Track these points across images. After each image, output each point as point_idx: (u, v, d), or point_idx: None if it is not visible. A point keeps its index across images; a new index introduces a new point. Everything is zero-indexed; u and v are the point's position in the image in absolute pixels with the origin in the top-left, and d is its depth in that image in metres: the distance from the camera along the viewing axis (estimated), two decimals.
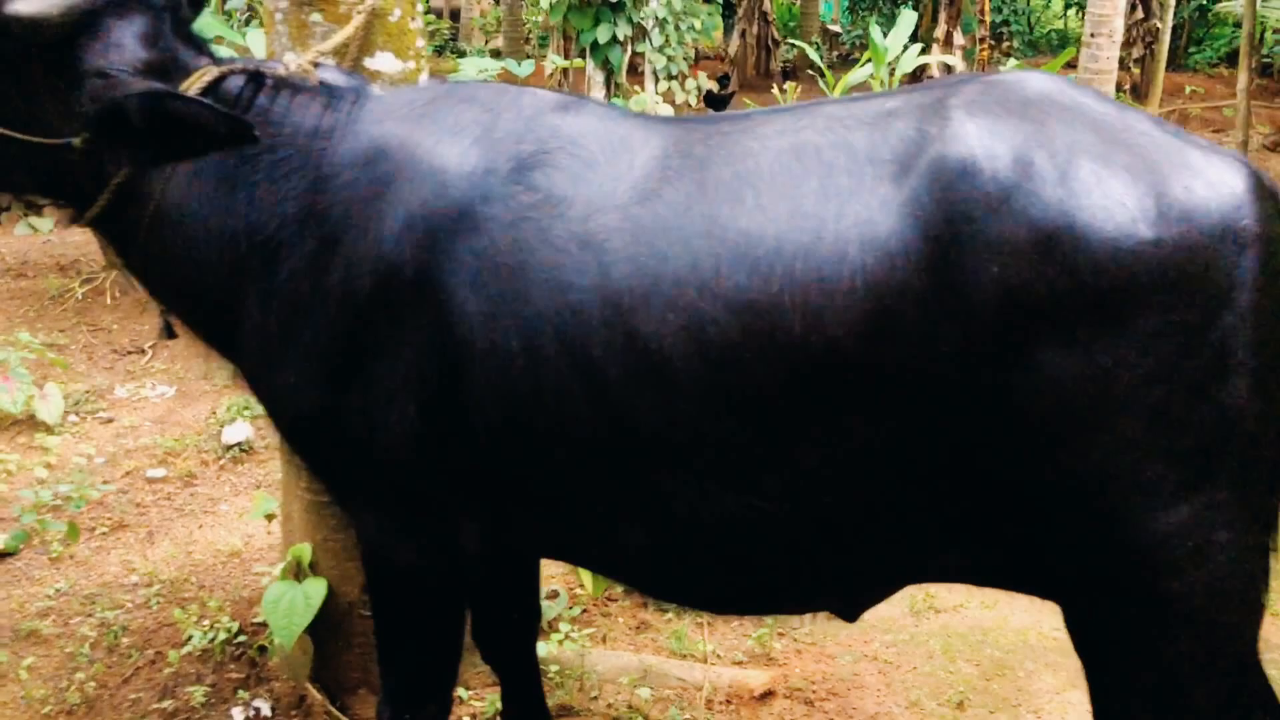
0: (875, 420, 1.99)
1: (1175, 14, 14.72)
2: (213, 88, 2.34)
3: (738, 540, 2.17)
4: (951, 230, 1.90)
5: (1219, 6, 11.64)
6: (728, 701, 3.54)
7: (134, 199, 2.34)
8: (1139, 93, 14.77)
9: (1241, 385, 1.93)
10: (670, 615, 3.95)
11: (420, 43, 3.13)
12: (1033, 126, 1.96)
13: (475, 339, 2.14)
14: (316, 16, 2.91)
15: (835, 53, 21.17)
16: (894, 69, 11.70)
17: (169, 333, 2.64)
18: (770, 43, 19.64)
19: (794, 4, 21.59)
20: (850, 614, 2.46)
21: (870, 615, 4.01)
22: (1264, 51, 19.10)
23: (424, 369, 2.21)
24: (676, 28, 11.53)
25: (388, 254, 2.20)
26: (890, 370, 1.95)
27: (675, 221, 2.05)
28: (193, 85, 2.31)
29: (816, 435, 2.02)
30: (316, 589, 3.20)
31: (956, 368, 1.93)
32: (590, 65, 9.97)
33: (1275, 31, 15.24)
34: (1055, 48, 23.22)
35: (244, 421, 5.28)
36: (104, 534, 4.41)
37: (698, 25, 12.75)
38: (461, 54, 17.53)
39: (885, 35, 11.87)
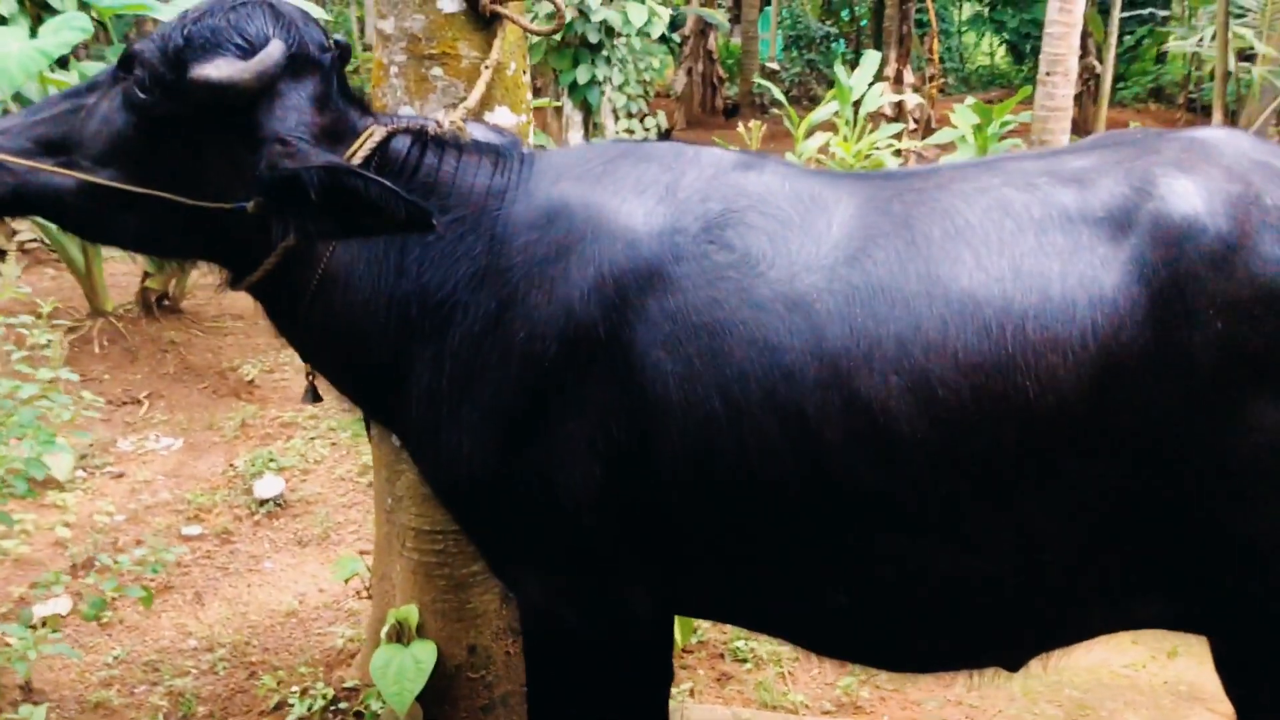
0: (1095, 475, 2.01)
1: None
2: (380, 148, 2.29)
3: (948, 599, 2.16)
4: (1177, 287, 1.93)
5: (1168, 45, 12.03)
6: None
7: (301, 262, 2.28)
8: (1081, 129, 15.22)
9: None
10: (750, 665, 3.93)
11: (529, 96, 3.11)
12: (1241, 185, 2.00)
13: (671, 398, 2.11)
14: (438, 71, 2.87)
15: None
16: (858, 107, 11.92)
17: (315, 396, 2.56)
18: (715, 80, 19.87)
19: (734, 44, 21.87)
20: (1017, 665, 2.46)
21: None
22: (1189, 90, 19.92)
23: (612, 429, 2.17)
24: (635, 67, 11.64)
25: (577, 314, 2.16)
26: (1114, 426, 1.97)
27: (891, 282, 2.05)
28: (361, 147, 2.26)
29: (1039, 492, 2.03)
30: (426, 652, 3.12)
31: (1176, 422, 1.95)
32: (568, 105, 10.00)
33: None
34: (986, 84, 23.92)
35: (273, 475, 5.14)
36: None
37: (655, 64, 12.89)
38: None
39: (844, 74, 12.07)
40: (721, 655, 3.97)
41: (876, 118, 13.71)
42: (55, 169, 2.17)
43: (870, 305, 2.05)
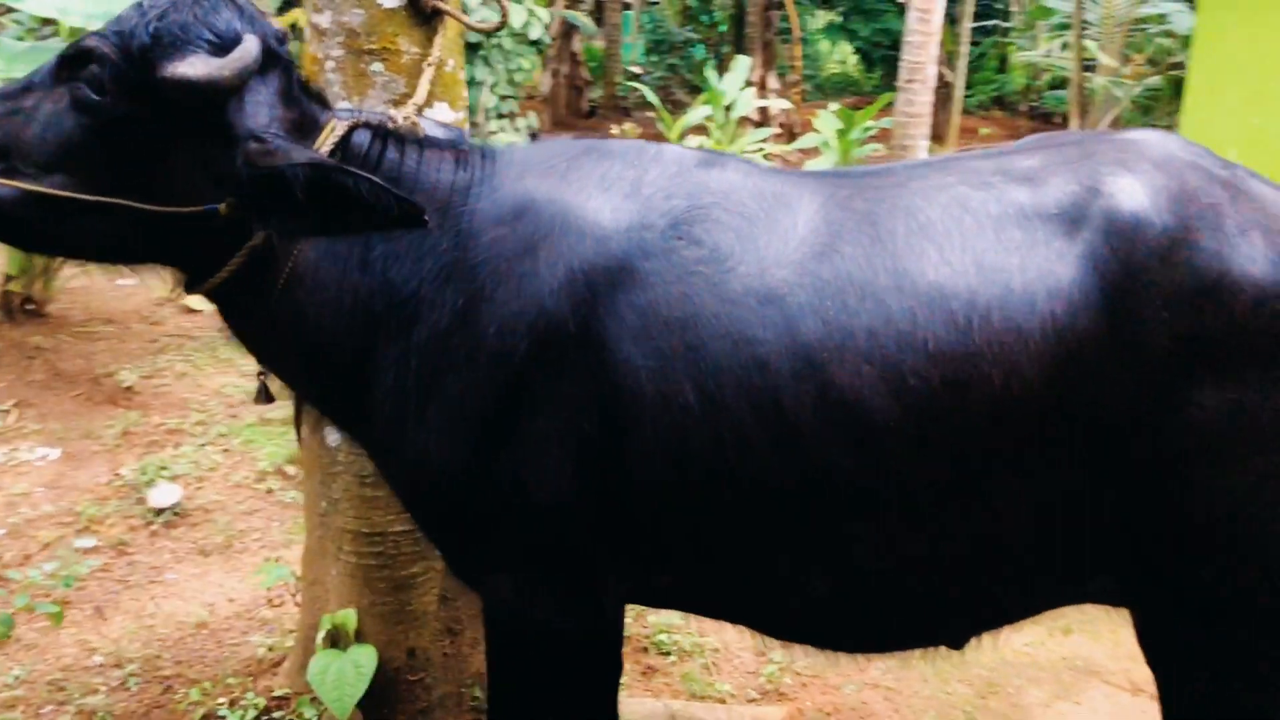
0: (1056, 457, 2.12)
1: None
2: (342, 142, 2.26)
3: (917, 581, 2.25)
4: (1128, 279, 2.06)
5: (1020, 56, 12.63)
6: None
7: (266, 261, 2.22)
8: (937, 135, 15.83)
9: None
10: (674, 658, 3.98)
11: (465, 92, 3.10)
12: (1178, 183, 2.15)
13: (644, 392, 2.14)
14: (378, 66, 2.84)
15: (638, 94, 21.65)
16: (730, 110, 12.15)
17: (267, 397, 2.51)
18: (580, 83, 19.93)
19: (596, 47, 21.97)
20: (962, 644, 2.57)
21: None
22: (1031, 98, 20.92)
23: (584, 424, 2.19)
24: (506, 68, 11.60)
25: (548, 310, 2.17)
26: (1072, 411, 2.09)
27: (860, 276, 2.13)
28: (325, 141, 2.23)
29: (1005, 475, 2.13)
30: (367, 656, 3.07)
31: (1127, 406, 2.08)
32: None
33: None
34: (839, 90, 24.58)
35: (168, 483, 4.96)
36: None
37: (526, 66, 12.85)
38: None
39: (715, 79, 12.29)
40: (645, 649, 4.02)
41: (744, 122, 13.98)
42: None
43: (841, 299, 2.12)
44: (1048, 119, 21.04)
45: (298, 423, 3.20)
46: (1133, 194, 2.11)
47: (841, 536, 2.20)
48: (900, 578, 2.25)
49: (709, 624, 4.18)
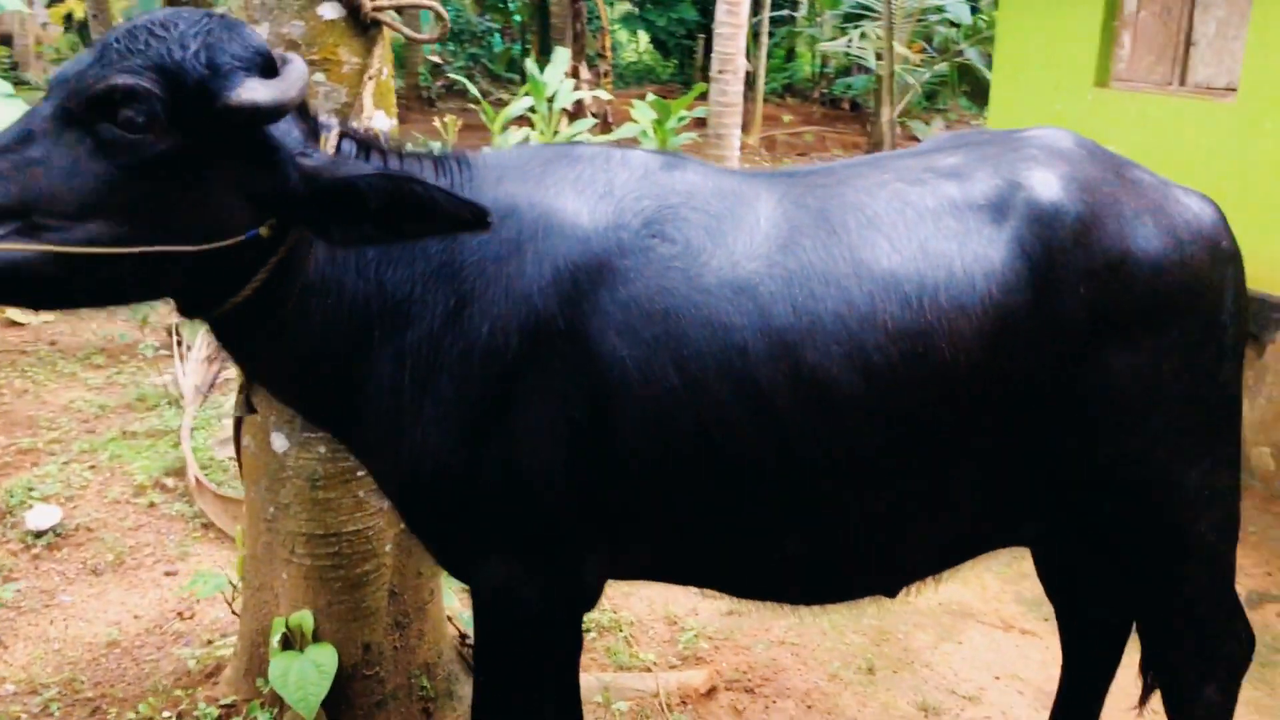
0: (995, 418, 2.42)
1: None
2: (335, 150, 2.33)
3: (878, 535, 2.52)
4: (1049, 260, 2.38)
5: (822, 46, 13.27)
6: (683, 702, 3.83)
7: (283, 275, 2.25)
8: (743, 124, 16.42)
9: (1230, 367, 2.58)
10: (594, 633, 4.17)
11: (393, 99, 3.17)
12: (1083, 175, 2.48)
13: (630, 379, 2.31)
14: (320, 76, 2.89)
15: (440, 83, 21.50)
16: (552, 102, 12.29)
17: (250, 408, 2.55)
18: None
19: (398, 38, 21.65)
20: (897, 591, 2.86)
21: (753, 605, 4.49)
22: (821, 85, 21.90)
23: (573, 413, 2.34)
24: None
25: (537, 308, 2.31)
26: (1007, 375, 2.39)
27: (823, 266, 2.37)
28: (324, 148, 2.29)
29: (953, 435, 2.42)
30: (326, 655, 3.13)
31: (1051, 369, 2.41)
32: None
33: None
34: (639, 79, 25.05)
35: (45, 505, 4.78)
36: None
37: None
38: (23, 83, 16.04)
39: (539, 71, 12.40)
40: None
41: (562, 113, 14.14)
42: (28, 246, 1.92)
43: (808, 287, 2.35)
44: (837, 104, 22.14)
45: (238, 434, 3.22)
46: (1049, 186, 2.43)
47: (812, 500, 2.44)
48: (864, 534, 2.51)
49: (620, 600, 4.40)
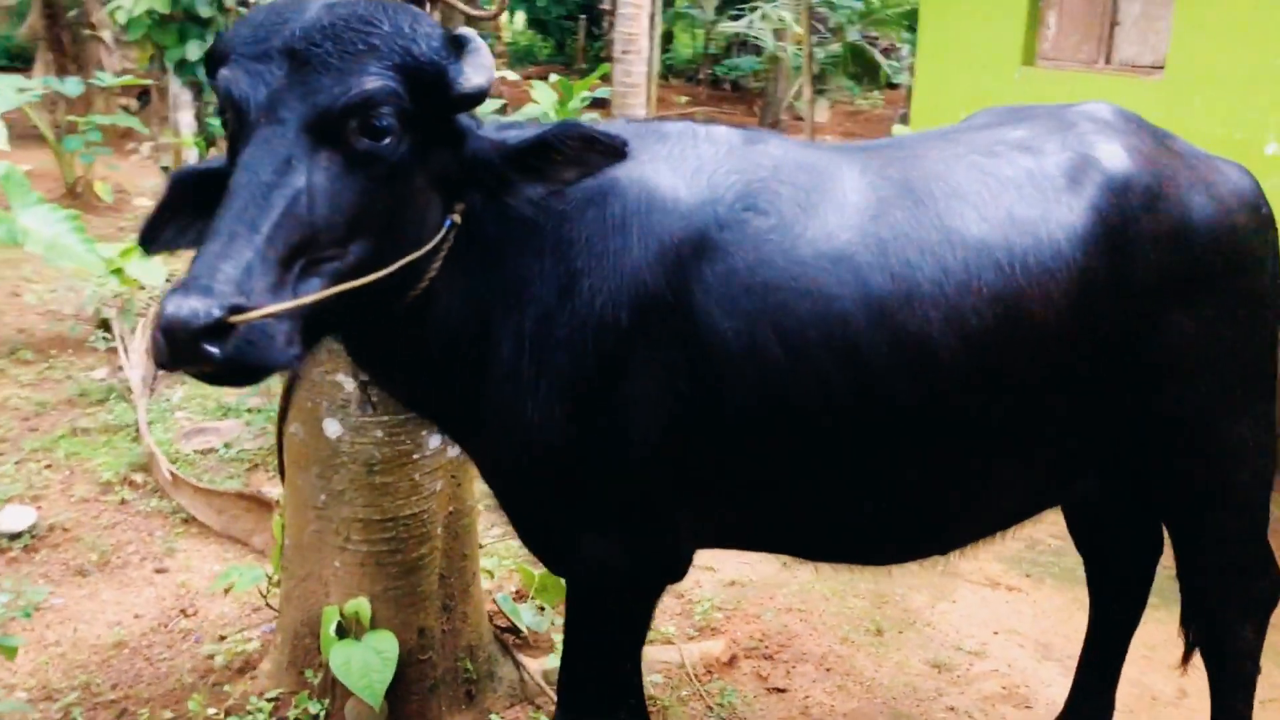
0: (1073, 376, 2.56)
1: None
2: None
3: (960, 494, 2.63)
4: (1124, 226, 2.52)
5: (723, 27, 13.44)
6: (709, 672, 3.91)
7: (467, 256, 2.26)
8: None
9: (1272, 326, 2.77)
10: None
11: None
12: (1145, 147, 2.64)
13: (732, 350, 2.36)
14: None
15: None
16: None
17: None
18: None
19: None
20: (949, 550, 2.97)
21: (755, 576, 4.60)
22: (707, 67, 22.13)
23: (679, 383, 2.38)
24: None
25: (647, 283, 2.34)
26: (1087, 335, 2.53)
27: (915, 235, 2.46)
28: None
29: (1038, 394, 2.55)
30: (387, 642, 3.10)
31: (1122, 328, 2.56)
32: (175, 83, 9.32)
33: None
34: (520, 60, 24.87)
35: (19, 506, 4.56)
36: None
37: None
38: None
39: None
40: None
41: None
42: (326, 291, 1.88)
43: (903, 255, 2.44)
44: (718, 84, 22.43)
45: (281, 425, 3.16)
46: (1118, 157, 2.57)
47: (902, 461, 2.53)
48: (949, 493, 2.62)
49: None
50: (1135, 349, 2.58)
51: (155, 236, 2.22)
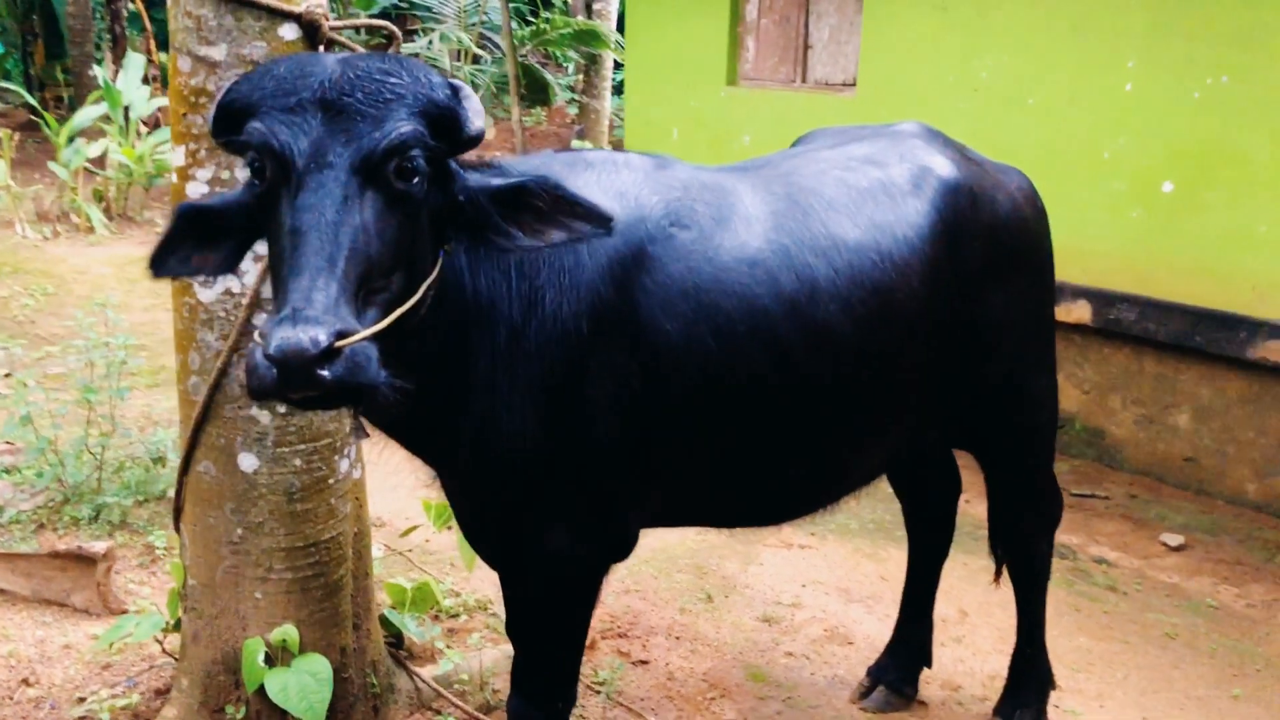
0: (928, 346, 3.13)
1: None
2: None
3: (854, 453, 3.13)
4: (957, 222, 3.12)
5: (443, 28, 13.50)
6: None
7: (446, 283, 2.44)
8: None
9: (1052, 294, 3.50)
10: (463, 616, 4.38)
11: None
12: (961, 158, 3.25)
13: (675, 346, 2.72)
14: None
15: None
16: (129, 111, 11.58)
17: (362, 432, 2.62)
18: None
19: None
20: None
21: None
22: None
23: (631, 380, 2.71)
24: None
25: (601, 295, 2.66)
26: (935, 312, 3.11)
27: (809, 241, 2.93)
28: None
29: (907, 363, 3.09)
30: (318, 664, 3.18)
31: (958, 306, 3.16)
32: None
33: None
34: None
35: None
36: None
37: None
38: None
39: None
40: (455, 613, 4.36)
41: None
42: (391, 317, 2.08)
43: (803, 258, 2.90)
44: None
45: (186, 463, 3.15)
46: (948, 167, 3.17)
47: (816, 429, 3.00)
48: (846, 452, 3.11)
49: (478, 583, 4.64)
50: (968, 322, 3.18)
51: (163, 262, 2.36)
